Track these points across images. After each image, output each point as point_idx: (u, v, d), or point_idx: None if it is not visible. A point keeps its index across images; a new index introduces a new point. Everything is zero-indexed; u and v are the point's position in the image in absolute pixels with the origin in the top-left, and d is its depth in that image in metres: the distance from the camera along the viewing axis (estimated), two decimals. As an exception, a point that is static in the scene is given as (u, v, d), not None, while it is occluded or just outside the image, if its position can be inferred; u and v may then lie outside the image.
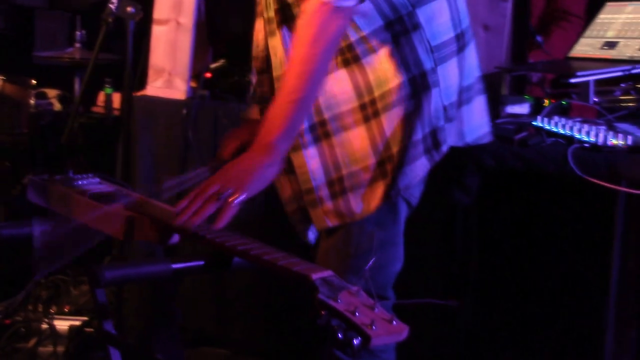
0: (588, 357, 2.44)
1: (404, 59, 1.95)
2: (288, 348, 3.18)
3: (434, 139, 1.98)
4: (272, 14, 1.98)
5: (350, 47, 1.94)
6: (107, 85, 4.02)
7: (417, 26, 1.95)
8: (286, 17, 1.97)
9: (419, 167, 1.97)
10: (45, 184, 2.09)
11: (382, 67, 1.94)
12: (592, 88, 2.69)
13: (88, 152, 4.12)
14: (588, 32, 2.97)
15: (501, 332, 2.60)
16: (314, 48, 1.82)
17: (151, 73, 3.29)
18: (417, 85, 1.96)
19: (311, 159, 2.00)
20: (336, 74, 1.95)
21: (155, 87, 3.27)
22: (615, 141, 2.27)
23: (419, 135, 1.96)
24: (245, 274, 3.20)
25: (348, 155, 1.95)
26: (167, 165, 3.26)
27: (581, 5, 3.61)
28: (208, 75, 3.30)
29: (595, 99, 2.74)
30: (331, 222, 2.00)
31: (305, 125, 1.98)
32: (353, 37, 1.94)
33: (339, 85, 1.95)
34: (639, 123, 2.49)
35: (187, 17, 3.20)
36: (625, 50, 2.77)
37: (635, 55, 2.71)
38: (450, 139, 2.03)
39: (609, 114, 2.56)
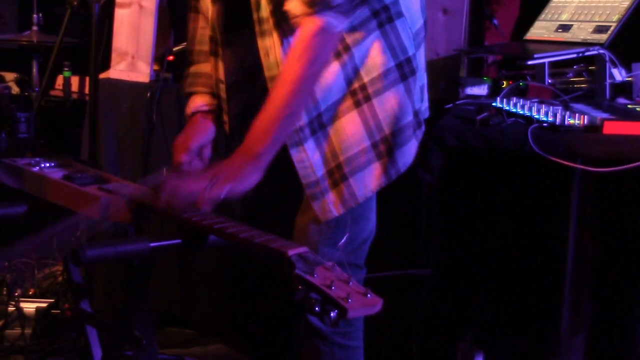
0: (546, 328, 2.53)
1: (391, 45, 2.03)
2: (252, 327, 3.23)
3: (417, 119, 2.09)
4: (265, 14, 1.99)
5: (340, 38, 1.99)
6: (66, 69, 4.01)
7: (400, 14, 2.03)
8: (284, 18, 1.98)
9: (412, 147, 2.08)
10: (17, 166, 2.10)
11: (370, 55, 2.02)
12: (547, 70, 2.78)
13: (48, 135, 4.13)
14: (543, 15, 3.05)
15: (461, 307, 2.67)
16: (310, 69, 1.88)
17: (114, 56, 3.30)
18: (404, 70, 2.05)
19: (311, 153, 2.05)
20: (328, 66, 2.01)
21: (118, 70, 3.29)
22: (572, 121, 2.35)
23: (409, 117, 2.06)
24: (209, 255, 3.24)
25: (343, 141, 2.02)
26: (131, 147, 3.28)
27: None
28: (171, 58, 3.32)
29: (550, 81, 2.83)
30: (337, 211, 2.05)
31: (304, 121, 2.03)
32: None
33: (331, 76, 2.01)
34: (593, 103, 2.59)
35: (150, 0, 3.21)
36: (579, 33, 2.85)
37: (589, 37, 2.80)
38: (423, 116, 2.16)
39: (564, 94, 2.65)
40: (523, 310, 2.59)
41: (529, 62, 2.74)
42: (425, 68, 2.21)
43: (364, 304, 1.45)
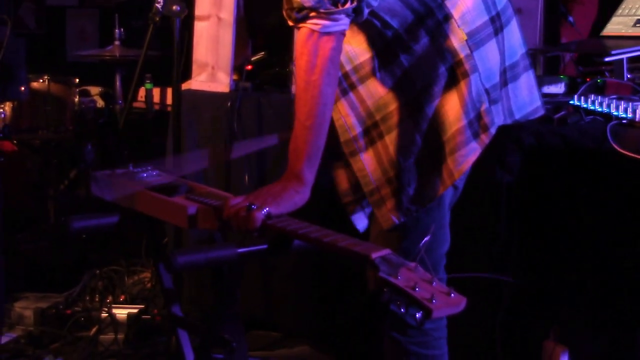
0: (633, 328, 2.50)
1: (440, 50, 2.00)
2: (335, 329, 3.27)
3: (480, 122, 2.03)
4: None
5: (389, 47, 2.01)
6: (147, 81, 4.14)
7: (448, 17, 2.00)
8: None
9: (470, 152, 2.02)
10: (108, 178, 2.18)
11: (420, 62, 2.01)
12: (625, 65, 2.76)
13: (132, 146, 4.26)
14: (620, 11, 3.03)
15: (543, 306, 2.66)
16: (312, 75, 1.89)
17: (195, 68, 3.39)
18: (455, 73, 2.01)
19: (368, 162, 2.08)
20: (378, 78, 2.04)
21: (199, 81, 3.37)
22: (652, 116, 2.34)
23: (463, 121, 2.01)
24: (291, 258, 3.30)
25: (400, 150, 2.03)
26: (213, 155, 3.35)
27: None
28: (249, 67, 3.39)
29: (629, 76, 2.81)
30: (397, 219, 2.06)
31: (358, 130, 2.07)
32: (389, 34, 2.00)
33: (383, 87, 2.04)
34: (673, 98, 2.56)
35: (228, 12, 3.29)
36: (657, 28, 2.83)
37: (667, 31, 2.78)
38: (497, 119, 2.07)
39: (643, 90, 2.63)
40: (609, 309, 2.57)
41: (607, 59, 2.72)
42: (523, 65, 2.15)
43: (448, 304, 1.47)
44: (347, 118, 2.10)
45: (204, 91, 3.38)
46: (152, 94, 4.19)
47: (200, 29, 3.35)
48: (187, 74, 3.49)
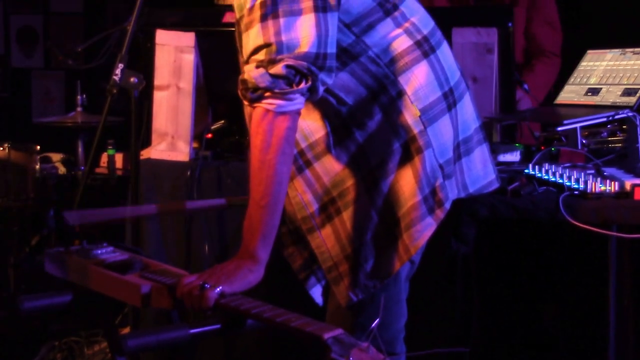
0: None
1: (394, 126, 2.02)
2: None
3: (435, 197, 2.04)
4: None
5: (344, 124, 2.03)
6: (110, 147, 4.12)
7: (401, 93, 2.02)
8: None
9: (426, 227, 2.03)
10: (62, 256, 2.15)
11: (375, 138, 2.03)
12: (579, 133, 2.80)
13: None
14: (572, 80, 3.09)
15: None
16: (267, 154, 1.89)
17: (155, 137, 3.38)
18: (409, 149, 2.02)
19: (327, 238, 2.08)
20: (334, 154, 2.05)
21: (159, 150, 3.37)
22: (603, 187, 2.37)
23: (418, 197, 2.02)
24: (252, 331, 3.26)
25: (357, 226, 2.03)
26: (173, 225, 3.34)
27: (557, 45, 3.89)
28: (209, 136, 3.40)
29: (584, 141, 2.85)
30: (355, 297, 2.06)
31: (315, 207, 2.08)
32: (344, 110, 2.02)
33: (338, 164, 2.06)
34: (625, 167, 2.60)
35: (187, 82, 3.30)
36: (608, 97, 2.88)
37: (618, 101, 2.83)
38: (452, 194, 2.08)
39: (596, 157, 2.67)
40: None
41: (560, 129, 2.77)
42: (476, 139, 2.18)
43: (399, 385, 1.48)
44: (303, 195, 2.10)
45: (163, 160, 3.38)
46: (114, 159, 4.17)
47: (160, 98, 3.36)
48: (148, 141, 3.48)
